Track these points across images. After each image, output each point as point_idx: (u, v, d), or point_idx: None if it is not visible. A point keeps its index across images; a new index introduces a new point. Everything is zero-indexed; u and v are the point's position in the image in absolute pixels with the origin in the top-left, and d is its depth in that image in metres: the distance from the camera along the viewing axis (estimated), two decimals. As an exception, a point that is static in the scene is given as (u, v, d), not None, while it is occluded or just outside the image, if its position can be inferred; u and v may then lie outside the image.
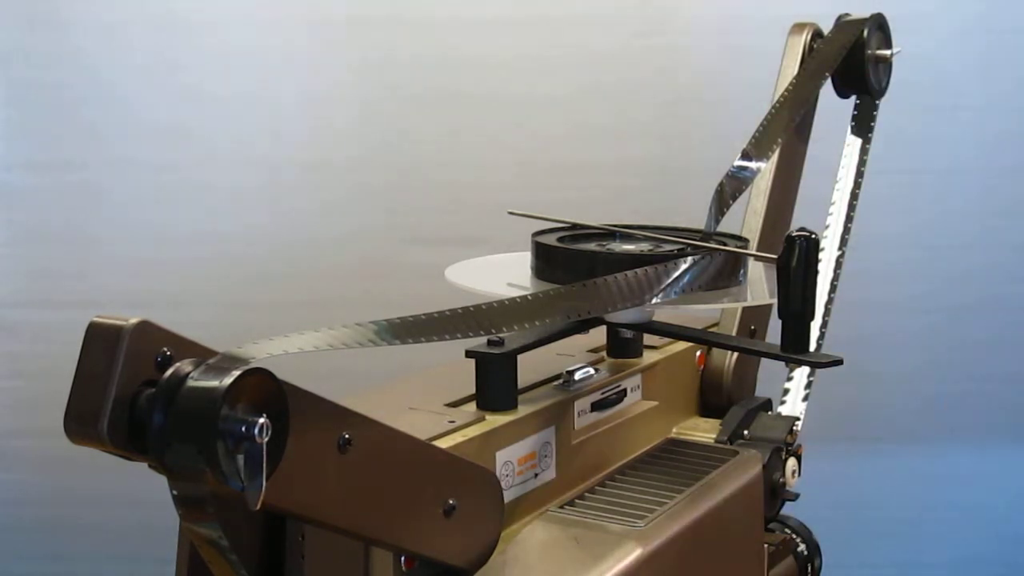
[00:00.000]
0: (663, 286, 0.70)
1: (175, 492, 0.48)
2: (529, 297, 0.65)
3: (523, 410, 0.71)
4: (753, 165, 0.82)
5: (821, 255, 0.92)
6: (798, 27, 1.00)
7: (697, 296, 0.72)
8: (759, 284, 0.77)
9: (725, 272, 0.74)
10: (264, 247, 1.56)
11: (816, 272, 0.66)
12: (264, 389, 0.46)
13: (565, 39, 1.53)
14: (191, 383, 0.45)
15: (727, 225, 0.81)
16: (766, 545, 0.84)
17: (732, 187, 0.81)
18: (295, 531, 0.61)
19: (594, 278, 0.68)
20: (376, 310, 0.67)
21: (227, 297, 1.55)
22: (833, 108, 1.02)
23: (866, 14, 0.99)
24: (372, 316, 0.55)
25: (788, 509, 0.88)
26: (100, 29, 1.54)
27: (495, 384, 0.71)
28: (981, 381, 1.58)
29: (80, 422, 0.46)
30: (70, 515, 1.60)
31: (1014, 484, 1.61)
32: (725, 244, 0.76)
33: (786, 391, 0.97)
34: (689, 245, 0.75)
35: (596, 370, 0.79)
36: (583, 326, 0.77)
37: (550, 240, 0.77)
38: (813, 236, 0.65)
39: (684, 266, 0.71)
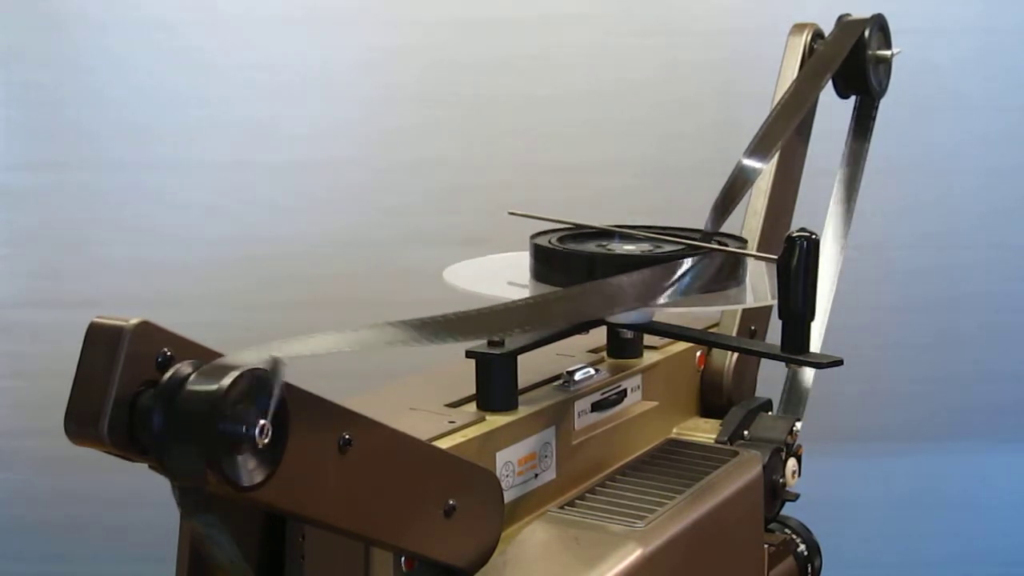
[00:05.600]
0: (665, 287, 0.70)
1: (176, 493, 0.48)
2: (533, 300, 0.65)
3: (523, 410, 0.71)
4: (755, 166, 0.82)
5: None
6: (798, 27, 1.00)
7: (698, 297, 0.72)
8: (760, 284, 0.77)
9: (726, 272, 0.74)
10: (263, 248, 1.56)
11: (816, 273, 0.66)
12: (264, 390, 0.46)
13: (566, 39, 1.53)
14: (191, 384, 0.45)
15: (727, 225, 0.81)
16: (766, 545, 0.84)
17: (734, 188, 0.81)
18: (295, 531, 0.61)
19: (595, 280, 0.68)
20: (377, 311, 0.67)
21: (227, 298, 1.55)
22: (833, 108, 1.02)
23: (867, 15, 0.99)
24: (373, 317, 0.55)
25: (788, 509, 0.88)
26: (100, 30, 1.54)
27: (495, 384, 0.71)
28: (981, 381, 1.58)
29: (80, 422, 0.46)
30: (70, 515, 1.60)
31: (1014, 484, 1.62)
32: (725, 245, 0.76)
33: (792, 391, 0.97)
34: (689, 246, 0.75)
35: (596, 370, 0.79)
36: (583, 326, 0.77)
37: (549, 242, 0.77)
38: (813, 236, 0.65)
39: (686, 267, 0.71)
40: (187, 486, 0.47)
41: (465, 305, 0.60)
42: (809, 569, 0.91)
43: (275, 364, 0.46)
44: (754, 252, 0.81)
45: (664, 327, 0.78)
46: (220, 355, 0.47)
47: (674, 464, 0.79)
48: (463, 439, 0.65)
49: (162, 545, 0.68)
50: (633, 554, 0.66)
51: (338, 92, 1.55)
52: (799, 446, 0.87)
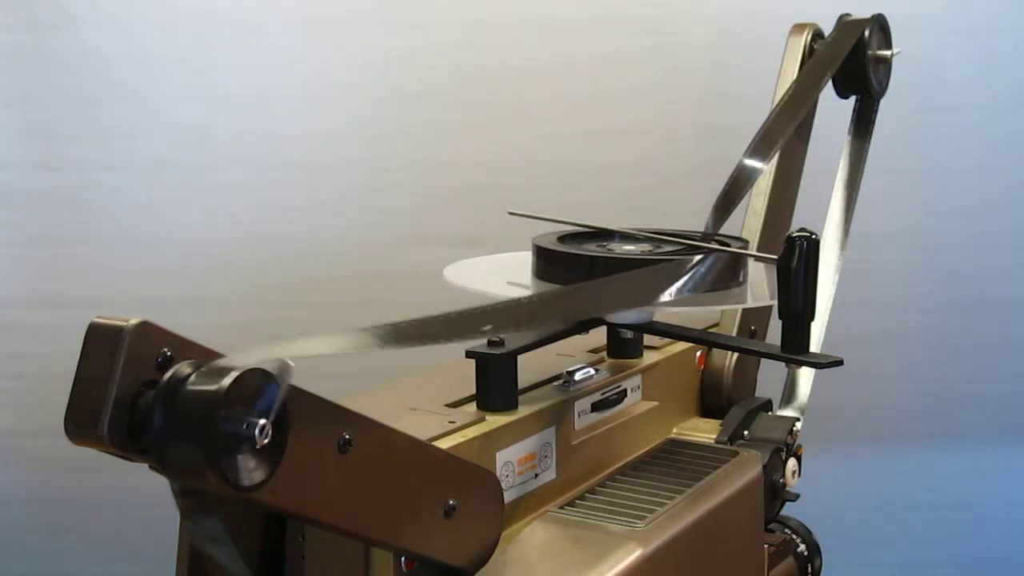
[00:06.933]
0: (665, 287, 0.70)
1: (175, 493, 0.48)
2: (532, 299, 0.65)
3: (523, 410, 0.71)
4: (755, 166, 0.82)
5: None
6: (798, 27, 1.00)
7: (698, 297, 0.72)
8: (759, 285, 0.77)
9: (726, 273, 0.74)
10: (263, 248, 1.56)
11: (816, 273, 0.66)
12: (264, 390, 0.46)
13: (567, 41, 1.53)
14: (192, 384, 0.45)
15: (727, 225, 0.81)
16: (766, 545, 0.84)
17: (734, 188, 0.81)
18: (295, 531, 0.61)
19: (595, 279, 0.68)
20: (377, 311, 0.67)
21: (227, 298, 1.55)
22: (833, 108, 1.02)
23: (867, 15, 0.99)
24: (372, 317, 0.55)
25: (788, 509, 0.88)
26: (100, 32, 1.54)
27: (495, 384, 0.71)
28: (981, 381, 1.58)
29: (80, 422, 0.46)
30: (70, 515, 1.60)
31: (1014, 484, 1.62)
32: (726, 245, 0.76)
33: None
34: (689, 246, 0.75)
35: (596, 370, 0.79)
36: (583, 326, 0.77)
37: (550, 242, 0.77)
38: (813, 236, 0.66)
39: (685, 267, 0.71)
40: (187, 487, 0.47)
41: (465, 305, 0.60)
42: (809, 569, 0.91)
43: (280, 365, 0.46)
44: (754, 252, 0.81)
45: (664, 327, 0.78)
46: (220, 355, 0.47)
47: (674, 464, 0.79)
48: (463, 439, 0.65)
49: (162, 545, 0.68)
50: (633, 554, 0.66)
51: (338, 93, 1.55)
52: (799, 446, 0.87)
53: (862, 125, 1.04)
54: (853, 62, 0.98)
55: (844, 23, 0.98)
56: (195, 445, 0.45)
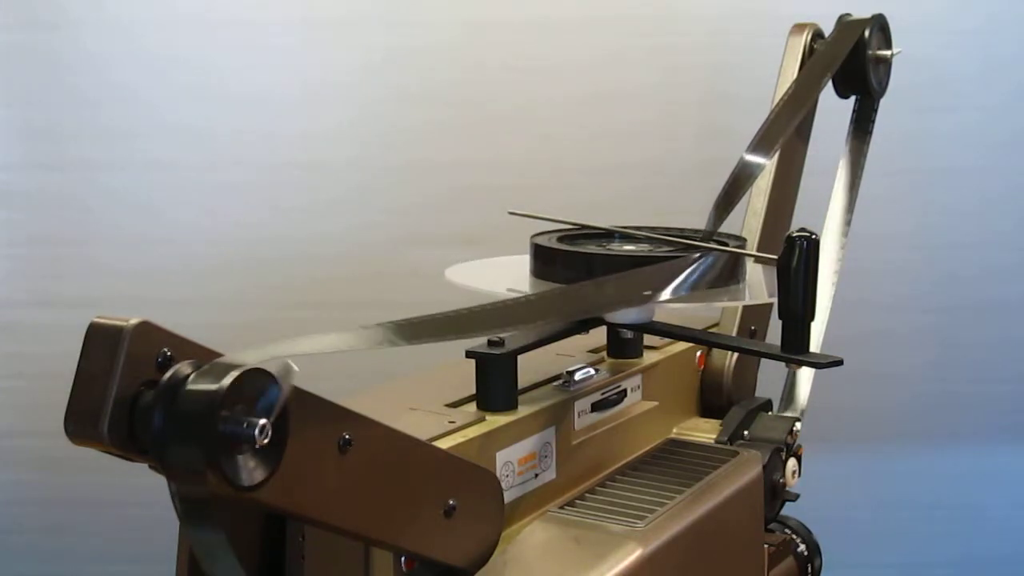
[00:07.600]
0: (664, 286, 0.70)
1: (175, 493, 0.48)
2: (531, 298, 0.66)
3: (523, 410, 0.71)
4: (755, 164, 0.82)
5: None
6: (798, 27, 1.00)
7: (698, 296, 0.72)
8: (759, 284, 0.77)
9: (726, 272, 0.74)
10: (263, 248, 1.56)
11: (816, 272, 0.66)
12: (264, 389, 0.46)
13: (567, 41, 1.53)
14: (191, 383, 0.45)
15: (727, 224, 0.81)
16: (766, 545, 0.84)
17: (734, 188, 0.81)
18: (295, 531, 0.61)
19: (595, 278, 0.68)
20: (377, 311, 0.67)
21: (227, 298, 1.55)
22: (833, 108, 1.02)
23: (867, 15, 0.99)
24: (372, 317, 0.55)
25: (788, 509, 0.88)
26: (100, 33, 1.54)
27: (495, 384, 0.71)
28: (981, 381, 1.58)
29: (80, 422, 0.46)
30: (70, 515, 1.60)
31: (1014, 484, 1.61)
32: (725, 244, 0.76)
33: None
34: (689, 245, 0.75)
35: (596, 370, 0.79)
36: (583, 326, 0.77)
37: (549, 241, 0.77)
38: (813, 236, 0.65)
39: (685, 266, 0.71)
40: (187, 493, 0.47)
41: (465, 304, 0.60)
42: (809, 569, 0.91)
43: (281, 365, 0.46)
44: (754, 252, 0.81)
45: (664, 327, 0.78)
46: (220, 355, 0.47)
47: (674, 464, 0.79)
48: (463, 439, 0.65)
49: (162, 545, 0.68)
50: (633, 554, 0.66)
51: (338, 93, 1.55)
52: (799, 446, 0.87)
53: (862, 125, 1.04)
54: (853, 62, 0.98)
55: (844, 23, 0.98)
56: (195, 445, 0.45)
